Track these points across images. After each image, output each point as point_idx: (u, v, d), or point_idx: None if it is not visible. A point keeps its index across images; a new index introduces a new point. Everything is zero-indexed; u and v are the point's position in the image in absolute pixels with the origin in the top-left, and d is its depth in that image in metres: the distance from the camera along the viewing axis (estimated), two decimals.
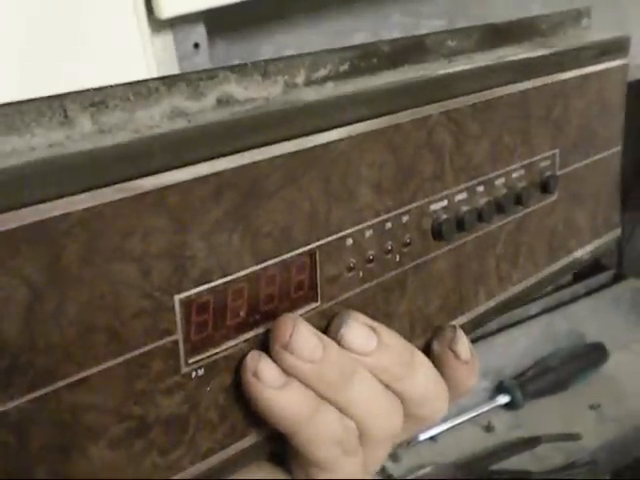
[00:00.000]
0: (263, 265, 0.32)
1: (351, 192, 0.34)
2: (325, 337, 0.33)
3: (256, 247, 0.31)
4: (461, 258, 0.41)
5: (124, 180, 0.26)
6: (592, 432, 1.16)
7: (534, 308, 1.27)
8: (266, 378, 0.31)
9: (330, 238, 0.34)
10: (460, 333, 0.39)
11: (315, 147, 0.32)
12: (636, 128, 1.34)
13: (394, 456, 1.14)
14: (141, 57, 0.63)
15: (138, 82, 0.28)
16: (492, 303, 0.44)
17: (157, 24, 0.64)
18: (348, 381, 0.33)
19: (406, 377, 0.35)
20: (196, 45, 0.66)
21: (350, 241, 0.35)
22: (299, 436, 0.32)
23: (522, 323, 1.25)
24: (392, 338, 0.35)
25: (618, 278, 1.35)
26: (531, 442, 1.13)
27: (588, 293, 1.32)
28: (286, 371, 0.31)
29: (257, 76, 0.32)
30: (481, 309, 0.43)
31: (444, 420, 1.16)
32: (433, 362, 0.38)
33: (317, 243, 0.33)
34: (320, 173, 0.33)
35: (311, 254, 0.33)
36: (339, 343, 0.33)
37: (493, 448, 1.14)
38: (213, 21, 0.71)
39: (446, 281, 0.40)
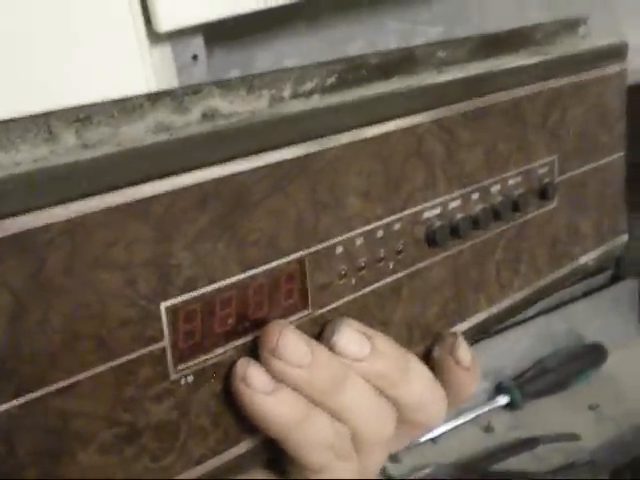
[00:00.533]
0: (251, 273, 0.32)
1: (340, 201, 0.35)
2: (315, 342, 0.33)
3: (243, 255, 0.32)
4: (459, 265, 0.41)
5: (106, 191, 0.27)
6: (591, 432, 1.16)
7: (532, 309, 1.27)
8: (255, 384, 0.31)
9: (319, 246, 0.34)
10: (461, 339, 0.39)
11: (301, 157, 0.33)
12: (630, 132, 1.34)
13: (394, 457, 1.14)
14: (140, 69, 0.64)
15: (123, 98, 0.29)
16: (494, 310, 0.44)
17: (155, 36, 0.64)
18: (339, 387, 0.33)
19: (401, 383, 0.35)
20: (195, 57, 0.67)
21: (340, 249, 0.35)
22: (290, 441, 0.33)
23: (521, 324, 1.25)
24: (386, 344, 0.35)
25: (616, 279, 1.34)
26: (530, 443, 1.13)
27: (587, 294, 1.31)
28: (276, 377, 0.32)
29: (242, 90, 0.32)
30: (482, 316, 0.43)
31: (444, 421, 1.17)
32: (434, 368, 0.38)
33: (306, 251, 0.34)
34: (307, 182, 0.33)
35: (300, 262, 0.34)
36: (332, 349, 0.34)
37: (493, 449, 1.14)
38: (211, 31, 0.72)
39: (444, 288, 0.41)
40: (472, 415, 1.18)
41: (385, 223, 0.37)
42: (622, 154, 0.51)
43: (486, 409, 1.19)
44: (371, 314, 0.37)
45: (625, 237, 0.53)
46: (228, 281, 0.31)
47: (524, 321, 1.26)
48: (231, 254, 0.31)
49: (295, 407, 0.32)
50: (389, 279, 0.38)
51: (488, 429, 1.18)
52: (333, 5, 0.82)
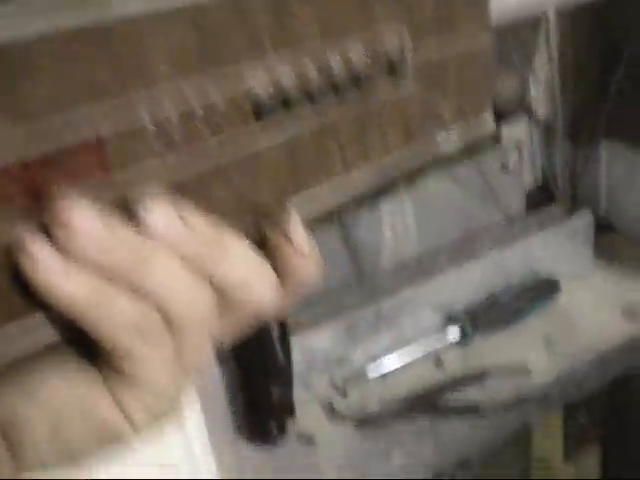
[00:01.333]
0: (40, 148, 0.29)
1: (147, 72, 0.31)
2: (116, 219, 0.31)
3: (32, 129, 0.28)
4: (295, 142, 0.38)
5: None
6: (543, 366, 1.15)
7: (486, 243, 1.26)
8: (44, 262, 0.29)
9: (124, 118, 0.31)
10: (294, 219, 0.37)
11: (101, 24, 0.30)
12: (586, 64, 1.32)
13: (342, 391, 1.14)
14: None
15: None
16: (336, 190, 0.41)
17: None
18: (143, 265, 0.31)
19: (217, 262, 0.34)
20: None
21: (150, 123, 0.32)
22: (87, 321, 0.31)
23: (474, 258, 1.24)
24: (200, 223, 0.33)
25: (571, 211, 1.34)
26: (479, 375, 1.13)
27: (541, 227, 1.30)
28: (70, 256, 0.29)
29: None
30: (324, 196, 0.40)
31: (394, 356, 1.16)
32: (268, 250, 0.37)
33: (107, 123, 0.31)
34: (108, 51, 0.30)
35: (100, 138, 0.30)
36: (139, 227, 0.31)
37: (442, 382, 1.14)
38: None
39: (278, 165, 0.38)
40: (422, 347, 1.17)
41: (204, 96, 0.34)
42: (488, 31, 0.47)
43: (437, 344, 1.18)
44: (192, 193, 0.34)
45: (487, 116, 0.49)
46: (11, 158, 0.28)
47: (477, 255, 1.24)
48: (15, 128, 0.28)
49: (90, 286, 0.30)
50: (212, 156, 0.35)
51: (438, 363, 1.18)
52: None
